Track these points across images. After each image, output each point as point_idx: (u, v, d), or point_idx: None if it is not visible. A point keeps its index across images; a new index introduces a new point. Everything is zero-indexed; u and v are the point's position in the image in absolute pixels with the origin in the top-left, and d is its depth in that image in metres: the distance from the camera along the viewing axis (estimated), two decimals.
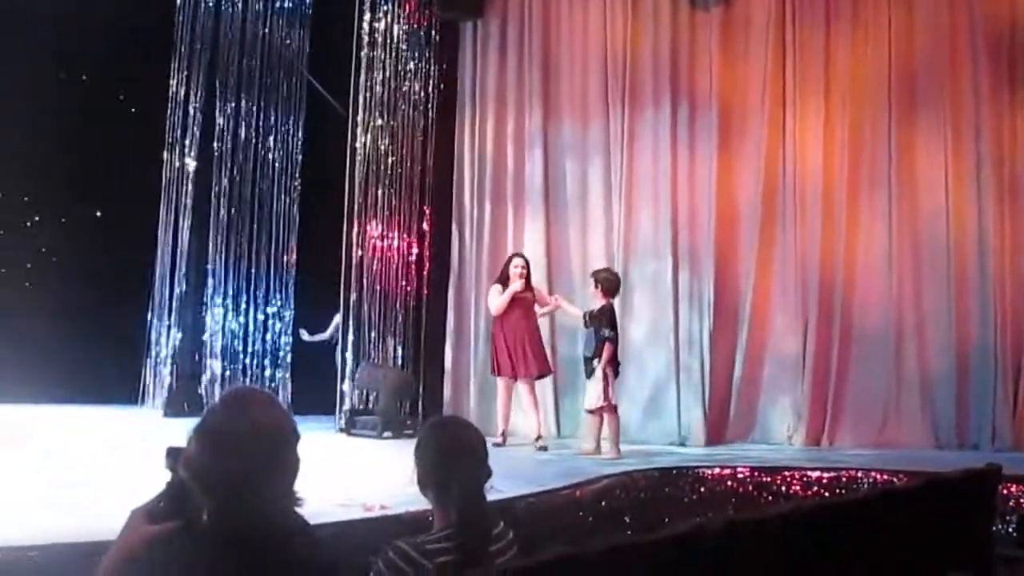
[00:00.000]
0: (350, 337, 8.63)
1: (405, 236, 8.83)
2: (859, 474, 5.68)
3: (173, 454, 1.81)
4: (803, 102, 8.33)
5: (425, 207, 8.88)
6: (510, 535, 2.22)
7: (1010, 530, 4.96)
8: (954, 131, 7.99)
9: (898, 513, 3.25)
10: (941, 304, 7.92)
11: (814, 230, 8.19)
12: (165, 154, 10.05)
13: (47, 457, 6.24)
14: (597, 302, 7.23)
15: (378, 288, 8.72)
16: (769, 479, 5.67)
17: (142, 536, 1.72)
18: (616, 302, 7.45)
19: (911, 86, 8.14)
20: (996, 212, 7.85)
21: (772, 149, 8.31)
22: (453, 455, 2.20)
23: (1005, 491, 5.19)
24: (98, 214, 10.28)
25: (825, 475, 5.71)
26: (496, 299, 7.54)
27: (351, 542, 2.18)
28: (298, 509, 1.82)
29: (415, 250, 8.85)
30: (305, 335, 9.76)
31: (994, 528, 4.74)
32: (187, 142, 9.99)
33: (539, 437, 7.39)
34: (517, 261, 7.67)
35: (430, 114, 8.92)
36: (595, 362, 6.96)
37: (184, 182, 10.01)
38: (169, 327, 10.01)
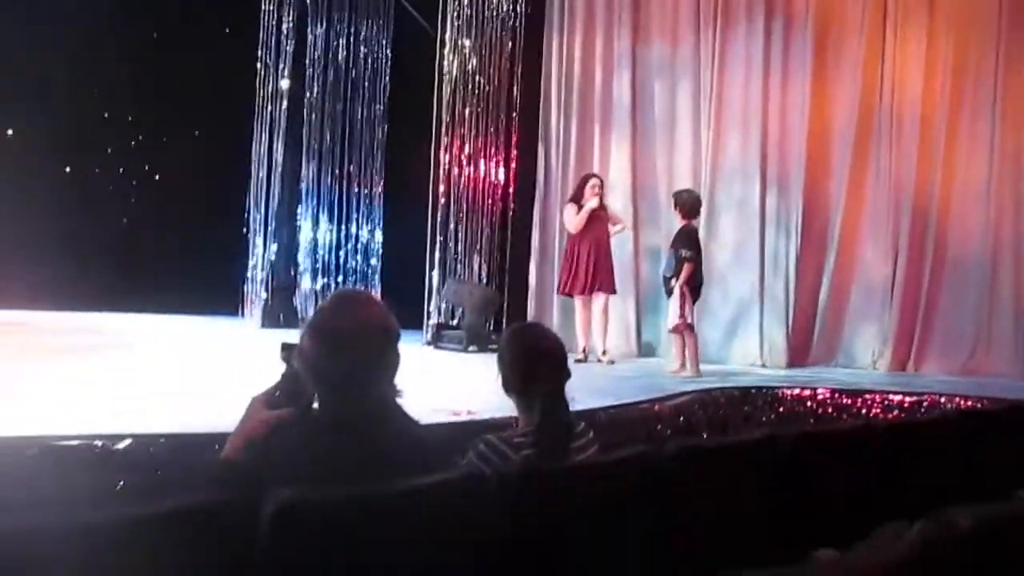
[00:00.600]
0: (437, 254, 8.85)
1: (492, 155, 8.93)
2: (942, 399, 5.65)
3: (288, 348, 2.00)
4: (905, 22, 8.02)
5: (512, 127, 8.94)
6: (591, 434, 2.37)
7: None
8: None
9: (974, 436, 3.30)
10: None
11: (910, 155, 7.98)
12: (259, 74, 10.28)
13: (157, 361, 6.68)
14: (678, 222, 7.25)
15: (465, 206, 8.89)
16: (849, 401, 5.71)
17: (262, 420, 1.93)
18: (700, 223, 7.44)
19: (1022, 8, 7.74)
20: None
21: (869, 71, 8.06)
22: (533, 358, 2.34)
23: None
24: (196, 133, 10.66)
25: (907, 399, 5.71)
26: (573, 217, 7.66)
27: (442, 442, 2.36)
28: (398, 400, 2.01)
29: (501, 169, 8.95)
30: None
31: None
32: (280, 62, 10.19)
33: (604, 352, 7.61)
34: (594, 180, 7.79)
35: (518, 34, 8.90)
36: (673, 281, 7.02)
37: (278, 101, 10.25)
38: (265, 243, 10.40)
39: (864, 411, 5.57)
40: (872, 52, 8.07)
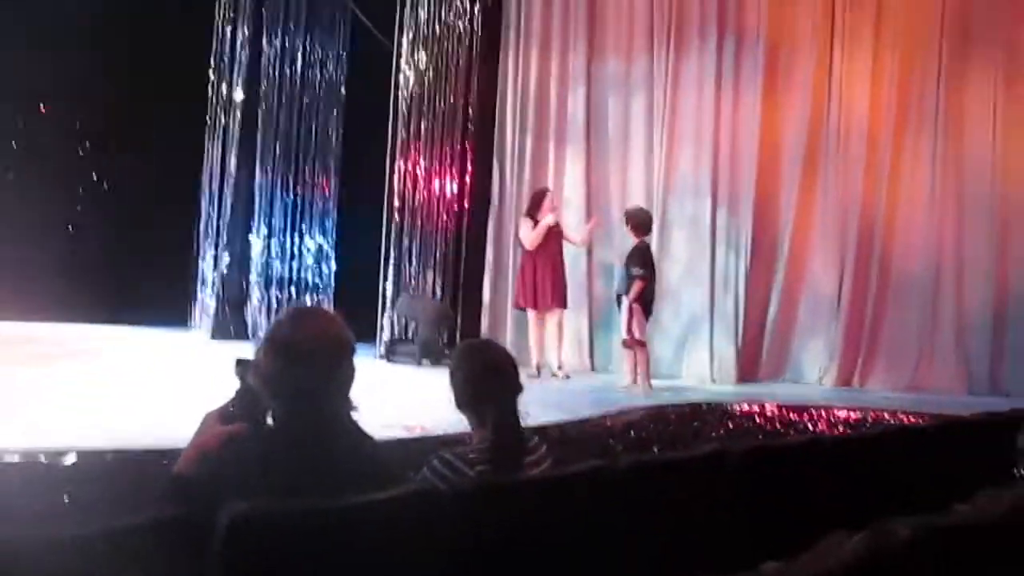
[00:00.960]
0: (391, 268, 8.83)
1: (447, 170, 8.94)
2: (885, 415, 5.79)
3: (242, 364, 2.00)
4: (852, 39, 8.22)
5: (467, 142, 8.97)
6: (544, 448, 2.40)
7: None
8: (1006, 75, 7.86)
9: (915, 451, 3.39)
10: (982, 250, 7.90)
11: (857, 171, 8.16)
12: (212, 84, 10.19)
13: (106, 372, 6.56)
14: (631, 240, 7.34)
15: (419, 220, 8.89)
16: (796, 417, 5.82)
17: (215, 435, 1.92)
18: (652, 239, 7.54)
19: (964, 26, 7.99)
20: None
21: (819, 88, 8.25)
22: (484, 374, 2.37)
23: None
24: (146, 142, 10.49)
25: (852, 415, 5.84)
26: (530, 233, 7.74)
27: (395, 458, 2.37)
28: (353, 415, 2.01)
29: (456, 184, 8.97)
30: None
31: (1017, 473, 4.87)
32: (235, 73, 10.11)
33: (560, 366, 7.69)
34: (551, 195, 7.91)
35: (474, 50, 8.94)
36: (624, 298, 7.10)
37: (232, 112, 10.16)
38: (216, 254, 10.28)
39: (811, 426, 5.68)
40: (821, 70, 8.26)
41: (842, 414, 5.87)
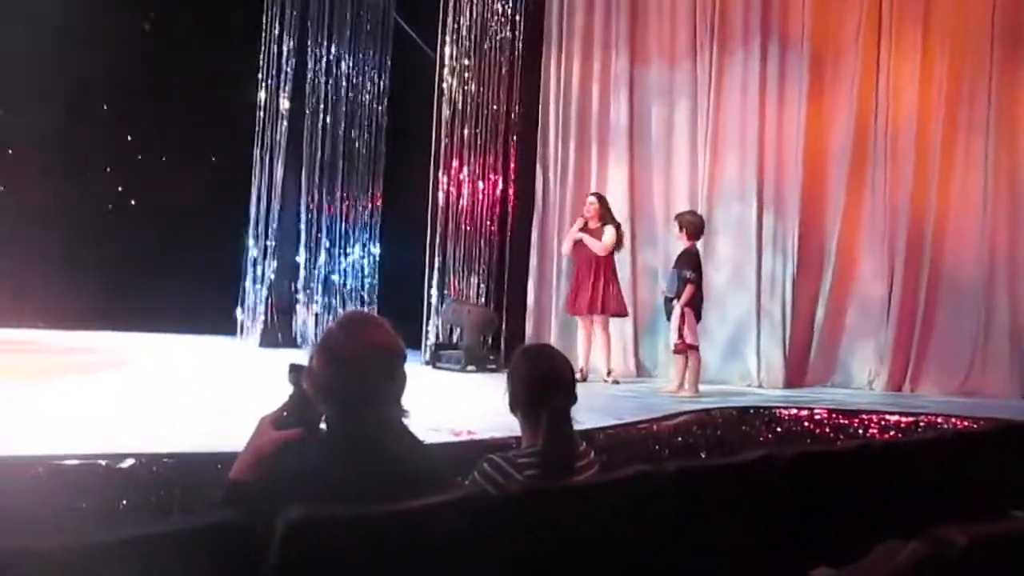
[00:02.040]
0: (436, 275, 8.89)
1: (490, 176, 8.99)
2: (939, 419, 5.69)
3: (295, 369, 2.04)
4: (899, 42, 8.12)
5: (510, 148, 9.00)
6: (592, 455, 2.41)
7: None
8: None
9: (969, 456, 3.33)
10: None
11: (906, 174, 8.05)
12: (260, 94, 10.36)
13: (157, 379, 6.69)
14: (681, 244, 7.31)
15: (463, 227, 8.94)
16: (846, 421, 5.74)
17: (271, 439, 1.96)
18: (700, 245, 7.51)
19: (1015, 25, 7.84)
20: None
21: (865, 91, 8.15)
22: (543, 380, 2.38)
23: None
24: (196, 152, 10.70)
25: (903, 419, 5.75)
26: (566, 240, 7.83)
27: (442, 462, 2.39)
28: (404, 420, 2.05)
29: (500, 190, 9.01)
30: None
31: None
32: (281, 82, 10.26)
33: (609, 372, 7.68)
34: (589, 200, 7.91)
35: (516, 56, 8.97)
36: (675, 302, 7.06)
37: (279, 122, 10.31)
38: (264, 263, 10.42)
39: (861, 431, 5.60)
40: (867, 72, 8.15)
41: (893, 419, 5.78)
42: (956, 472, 3.17)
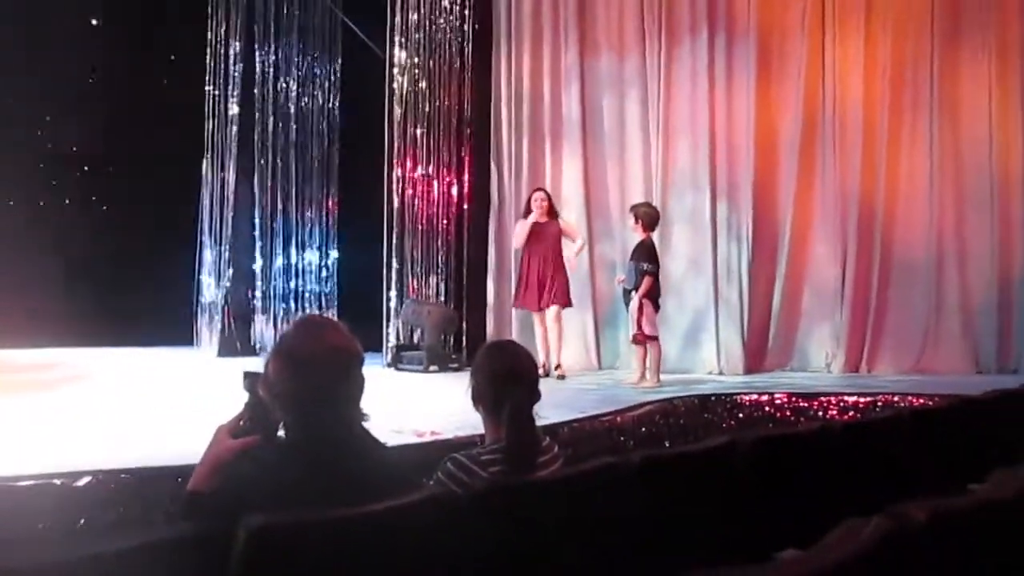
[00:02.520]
0: (393, 275, 8.84)
1: (445, 174, 8.96)
2: (895, 398, 5.78)
3: (251, 377, 2.00)
4: (843, 27, 8.24)
5: (464, 145, 8.98)
6: (556, 449, 2.40)
7: None
8: (999, 55, 7.86)
9: (927, 433, 3.39)
10: (984, 233, 7.91)
11: (854, 158, 8.17)
12: (207, 100, 10.20)
13: (113, 394, 6.57)
14: (637, 236, 7.34)
15: (420, 227, 8.90)
16: (806, 404, 5.81)
17: (228, 448, 1.93)
18: (655, 236, 7.55)
19: (955, 6, 8.00)
20: None
21: (812, 77, 8.26)
22: (506, 376, 2.36)
23: None
24: (143, 161, 10.50)
25: (861, 400, 5.83)
26: (517, 232, 7.81)
27: (408, 463, 2.37)
28: (365, 424, 2.02)
29: (455, 188, 8.98)
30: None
31: None
32: (229, 88, 10.12)
33: (557, 367, 7.60)
34: (537, 195, 7.88)
35: (466, 52, 8.96)
36: (633, 293, 7.09)
37: (228, 127, 10.18)
38: (219, 271, 10.28)
39: (821, 413, 5.67)
40: (813, 58, 8.27)
41: (852, 399, 5.86)
42: (915, 449, 3.22)
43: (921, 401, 5.63)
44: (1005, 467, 1.73)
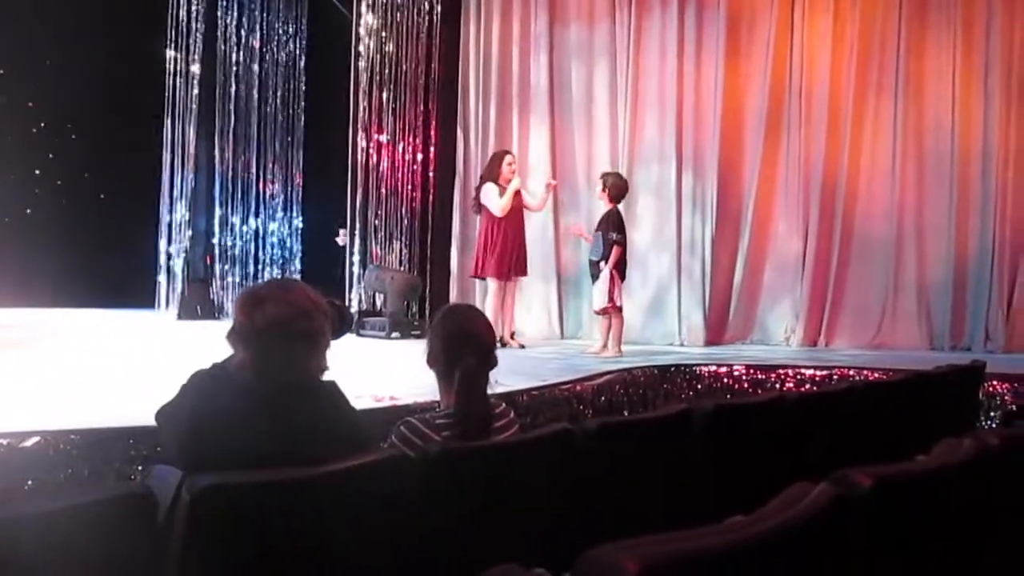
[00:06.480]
0: (357, 241, 8.77)
1: (410, 140, 8.88)
2: (851, 372, 5.86)
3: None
4: (812, 4, 8.25)
5: (430, 111, 8.90)
6: (511, 414, 2.40)
7: (994, 425, 5.17)
8: (964, 38, 7.92)
9: (878, 405, 3.44)
10: (943, 211, 8.00)
11: (819, 135, 8.22)
12: (169, 59, 9.99)
13: (71, 355, 6.46)
14: (602, 204, 7.31)
15: (384, 192, 8.83)
16: (764, 376, 5.87)
17: (195, 374, 1.98)
18: (621, 206, 7.54)
19: None
20: (1002, 121, 7.84)
21: (780, 52, 8.27)
22: (459, 338, 2.35)
23: (991, 389, 5.38)
24: (103, 120, 10.29)
25: (818, 373, 5.90)
26: (499, 199, 7.49)
27: (365, 423, 2.36)
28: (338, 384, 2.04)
29: (420, 154, 8.91)
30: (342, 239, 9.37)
31: (978, 424, 4.96)
32: (191, 48, 9.92)
33: (512, 335, 7.64)
34: (509, 157, 7.64)
35: (435, 17, 8.85)
36: (602, 264, 7.08)
37: (190, 88, 9.99)
38: (180, 233, 10.14)
39: (778, 385, 5.74)
40: (782, 33, 8.27)
41: (808, 372, 5.93)
42: (866, 420, 3.27)
43: (876, 375, 5.71)
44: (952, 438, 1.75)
